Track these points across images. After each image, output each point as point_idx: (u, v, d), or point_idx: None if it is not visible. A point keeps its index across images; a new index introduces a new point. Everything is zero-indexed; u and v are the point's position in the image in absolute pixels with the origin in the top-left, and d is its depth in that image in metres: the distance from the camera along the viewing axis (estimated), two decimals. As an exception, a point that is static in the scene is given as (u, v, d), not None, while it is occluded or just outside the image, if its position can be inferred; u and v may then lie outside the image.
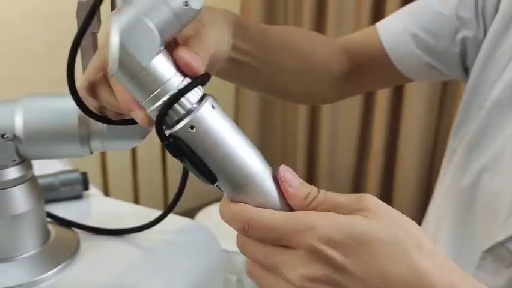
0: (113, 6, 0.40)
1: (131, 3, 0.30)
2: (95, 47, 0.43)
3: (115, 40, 0.29)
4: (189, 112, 0.30)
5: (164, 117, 0.30)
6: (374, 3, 1.53)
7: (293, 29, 0.59)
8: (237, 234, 0.31)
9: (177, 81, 0.30)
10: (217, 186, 0.31)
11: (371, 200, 0.29)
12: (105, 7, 0.41)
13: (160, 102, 0.30)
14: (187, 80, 0.31)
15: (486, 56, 0.52)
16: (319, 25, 1.68)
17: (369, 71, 0.60)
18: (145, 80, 0.30)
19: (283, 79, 0.54)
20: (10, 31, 1.40)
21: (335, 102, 0.64)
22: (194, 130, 0.30)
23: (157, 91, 0.30)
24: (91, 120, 0.44)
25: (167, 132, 0.30)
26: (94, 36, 0.43)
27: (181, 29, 0.32)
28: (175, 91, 0.30)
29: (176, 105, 0.30)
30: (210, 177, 0.30)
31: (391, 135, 1.60)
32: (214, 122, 0.30)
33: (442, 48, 0.55)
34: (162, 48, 0.30)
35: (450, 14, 0.54)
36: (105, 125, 0.44)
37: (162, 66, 0.30)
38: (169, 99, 0.30)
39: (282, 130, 1.98)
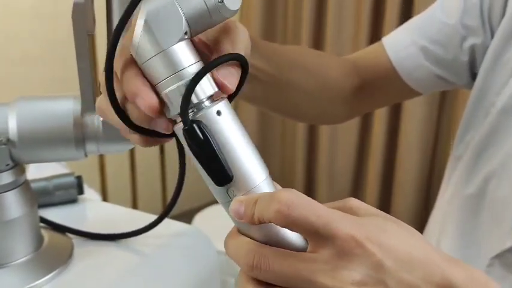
0: (108, 8, 0.39)
1: None
2: (90, 48, 0.43)
3: (141, 18, 0.29)
4: (210, 99, 0.30)
5: (193, 89, 0.29)
6: (374, 5, 1.53)
7: (304, 49, 0.60)
8: (248, 255, 0.27)
9: (195, 70, 0.30)
10: (220, 191, 0.29)
11: (355, 201, 0.30)
12: (100, 8, 0.41)
13: (183, 82, 0.29)
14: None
15: (492, 61, 0.52)
16: (319, 25, 1.68)
17: (379, 88, 0.59)
18: (162, 63, 0.29)
19: (295, 98, 0.54)
20: (6, 31, 1.40)
21: (345, 121, 0.63)
22: (221, 116, 0.29)
23: (171, 76, 0.29)
24: (86, 123, 0.43)
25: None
26: (90, 37, 0.42)
27: (211, 25, 0.31)
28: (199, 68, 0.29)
29: (199, 90, 0.29)
30: (224, 175, 0.29)
31: (391, 138, 1.60)
32: (235, 115, 0.30)
33: (451, 58, 0.55)
34: (187, 37, 0.30)
35: (455, 23, 0.54)
36: (100, 128, 0.44)
37: (183, 53, 0.29)
38: (200, 70, 0.29)
39: (281, 132, 1.98)
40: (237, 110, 1.99)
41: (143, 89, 0.29)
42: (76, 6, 0.40)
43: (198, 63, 0.30)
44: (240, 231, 0.30)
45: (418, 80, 0.57)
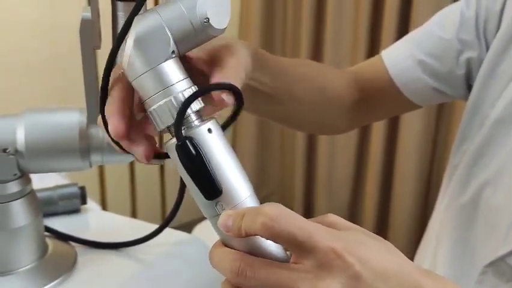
0: (114, 27, 0.41)
1: (156, 9, 0.32)
2: (96, 63, 0.44)
3: (131, 37, 0.31)
4: (198, 115, 0.31)
5: (187, 108, 0.30)
6: (373, 5, 1.55)
7: (308, 62, 0.61)
8: (233, 263, 0.29)
9: (182, 87, 0.31)
10: (209, 205, 0.31)
11: (335, 217, 0.32)
12: (106, 26, 0.42)
13: (171, 97, 0.31)
14: (193, 88, 0.32)
15: (487, 74, 0.53)
16: (318, 25, 1.69)
17: (378, 100, 0.61)
18: (151, 80, 0.31)
19: (298, 110, 0.55)
20: (8, 43, 1.42)
21: (346, 132, 0.65)
22: (211, 134, 0.31)
23: (159, 92, 0.31)
24: (91, 134, 0.45)
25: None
26: (95, 52, 0.44)
27: (199, 43, 0.33)
28: (187, 92, 0.31)
29: (189, 109, 0.31)
30: (214, 189, 0.30)
31: (389, 148, 1.61)
32: (223, 133, 0.32)
33: (448, 71, 0.56)
34: (175, 55, 0.32)
35: (452, 37, 0.55)
36: (105, 139, 0.45)
37: (171, 71, 0.31)
38: (194, 93, 0.31)
39: (280, 144, 1.99)
40: (236, 123, 2.00)
41: (115, 114, 0.32)
42: (83, 22, 0.41)
43: (185, 80, 0.32)
44: (225, 244, 0.31)
45: (416, 93, 0.59)
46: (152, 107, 0.31)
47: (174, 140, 0.31)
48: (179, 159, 0.30)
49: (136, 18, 0.32)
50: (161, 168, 1.54)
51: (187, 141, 0.30)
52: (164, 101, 0.31)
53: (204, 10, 0.31)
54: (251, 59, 0.40)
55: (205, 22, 0.31)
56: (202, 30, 0.32)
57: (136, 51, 0.31)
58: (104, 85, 0.33)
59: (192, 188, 0.31)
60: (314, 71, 0.58)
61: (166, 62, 0.31)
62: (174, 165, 0.32)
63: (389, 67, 0.59)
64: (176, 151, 0.30)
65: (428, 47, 0.57)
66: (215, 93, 0.32)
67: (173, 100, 0.31)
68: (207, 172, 0.30)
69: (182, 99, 0.31)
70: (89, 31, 0.41)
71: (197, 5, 0.31)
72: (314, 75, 0.57)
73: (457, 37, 0.55)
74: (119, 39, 0.31)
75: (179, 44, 0.32)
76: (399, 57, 0.58)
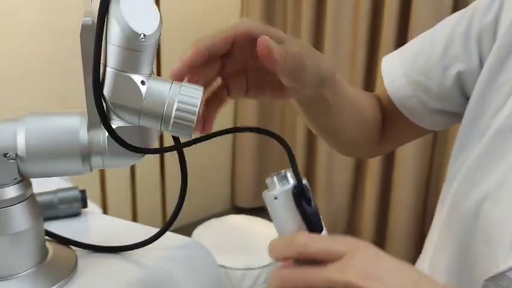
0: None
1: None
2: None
3: None
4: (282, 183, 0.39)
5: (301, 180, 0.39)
6: (373, 5, 1.55)
7: (356, 89, 0.65)
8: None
9: (175, 88, 0.39)
10: None
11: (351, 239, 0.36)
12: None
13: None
14: (185, 87, 0.40)
15: (486, 85, 0.53)
16: (318, 26, 1.70)
17: (391, 122, 0.63)
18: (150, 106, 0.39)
19: (342, 126, 0.59)
20: (7, 47, 1.42)
21: (372, 157, 0.69)
22: (276, 201, 0.38)
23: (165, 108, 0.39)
24: (92, 138, 0.45)
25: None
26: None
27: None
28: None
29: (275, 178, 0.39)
30: (320, 227, 0.39)
31: (387, 153, 1.61)
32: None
33: (438, 88, 0.58)
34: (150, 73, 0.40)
35: (441, 53, 0.56)
36: (106, 143, 0.45)
37: (157, 85, 0.40)
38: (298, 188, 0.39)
39: (280, 146, 1.98)
40: (236, 123, 2.00)
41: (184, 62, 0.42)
42: (84, 27, 0.41)
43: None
44: None
45: (412, 112, 0.60)
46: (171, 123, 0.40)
47: (275, 191, 0.38)
48: (296, 203, 0.37)
49: None
50: (162, 171, 1.54)
51: (303, 187, 0.38)
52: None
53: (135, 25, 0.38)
54: (324, 65, 0.48)
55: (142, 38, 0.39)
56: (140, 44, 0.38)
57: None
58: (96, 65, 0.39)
59: (289, 231, 0.38)
60: (357, 93, 0.61)
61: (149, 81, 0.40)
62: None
63: (387, 86, 0.61)
64: (294, 196, 0.38)
65: (419, 65, 0.59)
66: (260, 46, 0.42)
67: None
68: (317, 213, 0.39)
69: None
70: (89, 36, 0.41)
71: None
72: (358, 96, 0.61)
73: (445, 53, 0.56)
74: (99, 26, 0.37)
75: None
76: (394, 75, 0.61)
